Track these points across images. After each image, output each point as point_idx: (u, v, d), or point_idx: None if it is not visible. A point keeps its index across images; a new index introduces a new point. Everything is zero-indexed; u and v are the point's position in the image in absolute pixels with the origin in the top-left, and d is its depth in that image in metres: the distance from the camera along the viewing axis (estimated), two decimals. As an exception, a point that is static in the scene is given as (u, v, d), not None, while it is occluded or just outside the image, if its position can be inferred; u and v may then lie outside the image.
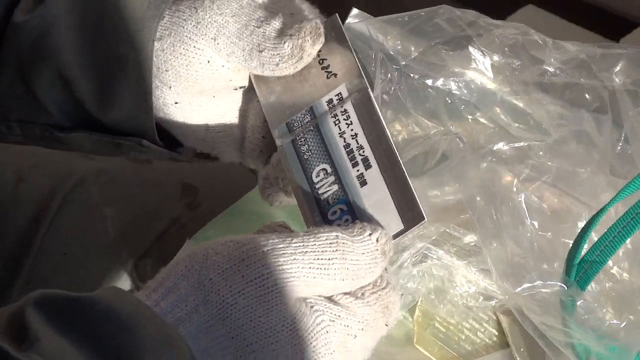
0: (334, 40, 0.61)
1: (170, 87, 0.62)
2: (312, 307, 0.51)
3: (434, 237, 0.69)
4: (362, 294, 0.53)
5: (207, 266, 0.49)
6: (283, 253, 0.50)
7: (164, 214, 0.94)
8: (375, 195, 0.55)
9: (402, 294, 0.55)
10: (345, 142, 0.57)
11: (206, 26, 0.60)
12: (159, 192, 0.96)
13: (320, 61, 0.61)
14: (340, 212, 0.56)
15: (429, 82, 0.74)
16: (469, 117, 0.75)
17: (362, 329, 0.52)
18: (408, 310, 0.77)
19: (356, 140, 0.56)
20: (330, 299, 0.52)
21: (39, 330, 0.44)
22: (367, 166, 0.55)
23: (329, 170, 0.57)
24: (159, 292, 0.49)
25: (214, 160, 0.70)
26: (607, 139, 0.68)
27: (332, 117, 0.58)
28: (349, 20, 0.76)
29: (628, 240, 0.62)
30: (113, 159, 0.94)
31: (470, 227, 0.67)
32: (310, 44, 0.60)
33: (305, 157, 0.58)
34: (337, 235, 0.52)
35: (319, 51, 0.61)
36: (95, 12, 0.64)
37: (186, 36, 0.61)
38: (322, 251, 0.51)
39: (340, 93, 0.59)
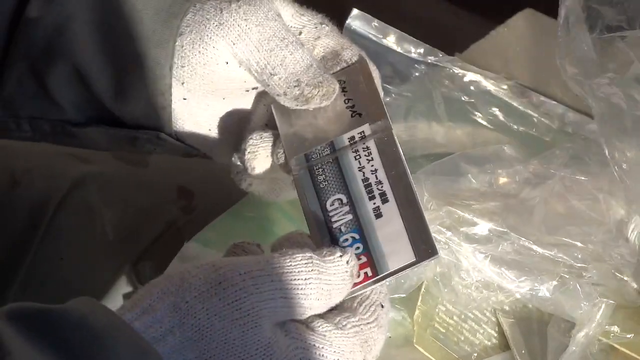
0: (361, 81, 0.62)
1: (183, 83, 0.62)
2: (287, 333, 0.51)
3: (443, 220, 0.68)
4: (344, 325, 0.53)
5: (184, 289, 0.48)
6: (260, 275, 0.50)
7: (160, 216, 0.93)
8: (389, 228, 0.56)
9: (389, 336, 0.55)
10: (364, 176, 0.58)
11: (228, 28, 0.60)
12: (154, 194, 0.95)
13: (346, 100, 0.62)
14: (352, 240, 0.57)
15: (429, 81, 0.75)
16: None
17: None
18: (407, 311, 0.77)
19: (375, 175, 0.58)
20: (308, 326, 0.52)
21: (10, 344, 0.43)
22: (384, 200, 0.57)
23: (345, 200, 0.58)
24: (134, 312, 0.48)
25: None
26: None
27: (353, 152, 0.60)
28: (349, 21, 0.77)
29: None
30: (108, 162, 0.94)
31: (483, 216, 0.67)
32: (316, 102, 0.60)
33: (321, 186, 0.59)
34: (311, 256, 0.52)
35: (345, 91, 0.62)
36: (114, 7, 0.63)
37: (207, 35, 0.60)
38: (299, 271, 0.51)
39: (363, 132, 0.60)
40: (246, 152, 0.62)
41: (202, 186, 0.97)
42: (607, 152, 0.61)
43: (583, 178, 0.68)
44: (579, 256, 0.65)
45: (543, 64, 0.97)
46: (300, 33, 0.62)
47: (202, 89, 0.62)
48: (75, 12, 0.63)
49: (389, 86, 0.77)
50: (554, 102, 0.75)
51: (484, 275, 0.68)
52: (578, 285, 0.65)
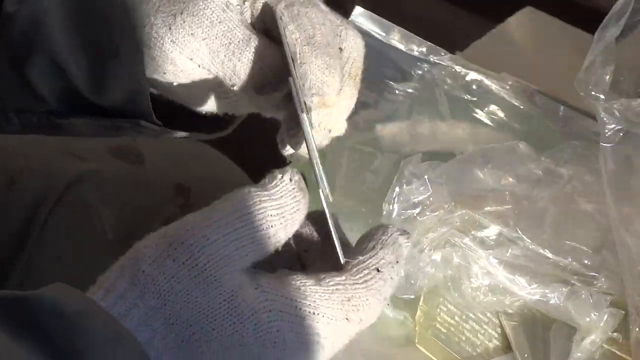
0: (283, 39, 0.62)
1: (173, 83, 0.63)
2: (258, 286, 0.50)
3: (457, 223, 0.67)
4: (326, 281, 0.52)
5: (139, 260, 0.49)
6: (206, 226, 0.50)
7: (157, 214, 0.93)
8: None
9: (387, 304, 0.53)
10: None
11: (181, 46, 0.60)
12: (152, 192, 0.95)
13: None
14: None
15: (432, 79, 0.74)
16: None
17: (314, 314, 0.50)
18: (409, 311, 0.77)
19: None
20: (283, 280, 0.51)
21: None
22: None
23: None
24: (98, 294, 0.48)
25: (210, 135, 0.70)
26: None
27: None
28: (352, 17, 0.76)
29: None
30: (105, 160, 0.93)
31: (497, 219, 0.66)
32: (276, 96, 0.61)
33: None
34: (248, 190, 0.51)
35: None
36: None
37: (168, 50, 0.61)
38: (240, 207, 0.50)
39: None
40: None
41: (199, 184, 0.97)
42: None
43: (590, 179, 0.67)
44: (589, 263, 0.65)
45: (544, 62, 0.97)
46: (244, 2, 0.61)
47: (192, 78, 0.63)
48: (49, 4, 0.63)
49: (392, 83, 0.76)
50: (555, 102, 0.75)
51: (495, 280, 0.67)
52: (589, 294, 0.64)
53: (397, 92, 0.77)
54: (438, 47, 0.75)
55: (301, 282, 0.51)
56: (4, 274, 0.86)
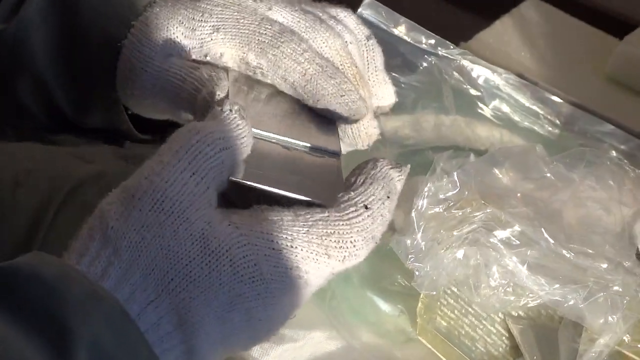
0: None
1: None
2: (231, 223, 0.49)
3: (483, 221, 0.66)
4: (307, 217, 0.50)
5: (105, 218, 0.48)
6: (161, 169, 0.49)
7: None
8: None
9: (376, 243, 0.51)
10: None
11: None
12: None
13: None
14: None
15: (438, 73, 0.74)
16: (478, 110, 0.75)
17: (291, 247, 0.49)
18: (404, 304, 0.76)
19: None
20: (255, 216, 0.50)
21: None
22: None
23: None
24: (73, 259, 0.48)
25: None
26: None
27: None
28: (361, 9, 0.76)
29: None
30: (110, 162, 0.93)
31: (521, 219, 0.66)
32: None
33: None
34: (193, 125, 0.50)
35: None
36: (68, 22, 0.63)
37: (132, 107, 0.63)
38: (184, 144, 0.49)
39: None
40: None
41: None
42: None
43: (598, 186, 0.67)
44: (606, 266, 0.64)
45: (547, 54, 0.97)
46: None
47: None
48: (33, 24, 0.64)
49: (397, 75, 0.76)
50: (560, 100, 0.75)
51: (516, 280, 0.66)
52: (608, 297, 0.64)
53: (402, 84, 0.76)
54: (446, 41, 0.75)
55: (277, 217, 0.50)
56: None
